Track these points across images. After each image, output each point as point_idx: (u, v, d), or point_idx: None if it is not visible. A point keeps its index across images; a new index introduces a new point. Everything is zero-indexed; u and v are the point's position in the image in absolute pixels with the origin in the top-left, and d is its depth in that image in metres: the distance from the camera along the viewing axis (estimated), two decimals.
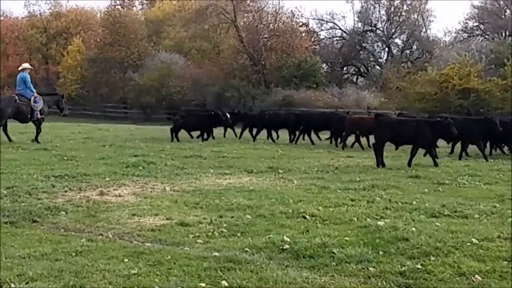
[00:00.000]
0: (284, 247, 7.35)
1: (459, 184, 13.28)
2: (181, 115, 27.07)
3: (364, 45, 62.92)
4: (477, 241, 7.67)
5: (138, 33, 63.27)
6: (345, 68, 65.59)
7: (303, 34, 58.53)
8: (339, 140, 25.08)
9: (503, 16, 60.48)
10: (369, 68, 63.84)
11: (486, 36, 61.79)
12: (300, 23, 60.44)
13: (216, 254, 7.05)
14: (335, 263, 6.77)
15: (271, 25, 56.79)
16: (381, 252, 7.19)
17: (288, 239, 7.64)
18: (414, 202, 10.54)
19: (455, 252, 7.24)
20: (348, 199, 10.91)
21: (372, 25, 62.17)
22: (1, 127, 21.85)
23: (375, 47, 63.99)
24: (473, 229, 8.43)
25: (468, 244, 7.57)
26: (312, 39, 59.32)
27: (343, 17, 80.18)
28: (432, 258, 6.97)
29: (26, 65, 23.75)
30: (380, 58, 63.64)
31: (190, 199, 10.69)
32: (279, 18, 57.31)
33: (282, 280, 6.23)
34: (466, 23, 63.31)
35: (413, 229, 8.25)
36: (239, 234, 8.12)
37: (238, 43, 55.59)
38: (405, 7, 61.01)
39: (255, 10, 56.63)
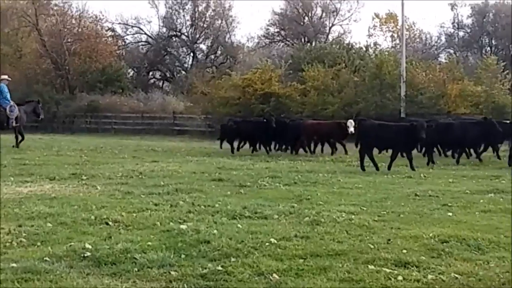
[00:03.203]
0: (86, 255, 7.21)
1: (260, 186, 13.71)
2: (234, 121, 26.21)
3: (169, 50, 63.17)
4: (275, 241, 7.91)
5: None
6: (151, 73, 65.53)
7: (108, 39, 57.88)
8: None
9: (302, 23, 62.94)
10: (175, 73, 64.16)
11: (287, 42, 64.08)
12: (106, 28, 59.78)
13: (14, 265, 6.79)
14: (137, 269, 6.73)
15: (75, 29, 55.65)
16: (183, 256, 7.23)
17: (90, 246, 7.52)
18: (217, 205, 10.73)
19: (254, 252, 7.42)
20: (152, 203, 10.91)
21: (177, 30, 62.56)
22: None
23: (180, 52, 64.45)
24: (272, 229, 8.70)
25: (267, 244, 7.78)
26: (117, 44, 58.87)
27: (149, 22, 79.89)
28: (233, 259, 7.08)
29: (4, 76, 25.62)
30: (186, 63, 64.21)
31: None
32: (83, 22, 56.29)
33: None
34: (268, 29, 65.38)
35: (215, 231, 8.39)
36: (39, 243, 7.88)
37: (41, 47, 53.99)
38: (209, 13, 61.92)
39: (58, 14, 55.28)
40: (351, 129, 22.91)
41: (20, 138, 24.59)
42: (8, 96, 24.48)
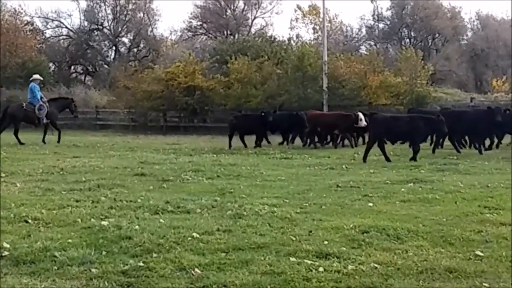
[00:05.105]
0: (3, 254, 7.06)
1: (183, 180, 13.65)
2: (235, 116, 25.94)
3: (91, 44, 62.36)
4: (197, 235, 7.89)
5: None
6: (72, 67, 64.54)
7: (28, 33, 56.75)
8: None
9: (224, 16, 62.97)
10: (97, 67, 63.39)
11: (209, 35, 64.04)
12: (25, 21, 58.54)
13: None
14: (57, 267, 6.63)
15: None
16: (104, 252, 7.15)
17: (8, 246, 7.36)
18: (139, 200, 10.64)
19: (176, 247, 7.39)
20: (73, 200, 10.75)
21: (99, 23, 61.84)
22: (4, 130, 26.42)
23: (103, 46, 63.74)
24: (194, 223, 8.67)
25: (189, 238, 7.77)
26: (38, 38, 57.78)
27: (69, 15, 78.76)
28: (155, 255, 7.04)
29: (36, 76, 27.69)
30: (108, 57, 63.56)
31: None
32: (1, 16, 55.04)
33: None
34: (190, 22, 65.17)
35: (137, 227, 8.33)
36: None
37: None
38: (130, 6, 61.37)
39: None
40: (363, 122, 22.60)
41: (46, 133, 26.81)
42: (39, 95, 26.35)
